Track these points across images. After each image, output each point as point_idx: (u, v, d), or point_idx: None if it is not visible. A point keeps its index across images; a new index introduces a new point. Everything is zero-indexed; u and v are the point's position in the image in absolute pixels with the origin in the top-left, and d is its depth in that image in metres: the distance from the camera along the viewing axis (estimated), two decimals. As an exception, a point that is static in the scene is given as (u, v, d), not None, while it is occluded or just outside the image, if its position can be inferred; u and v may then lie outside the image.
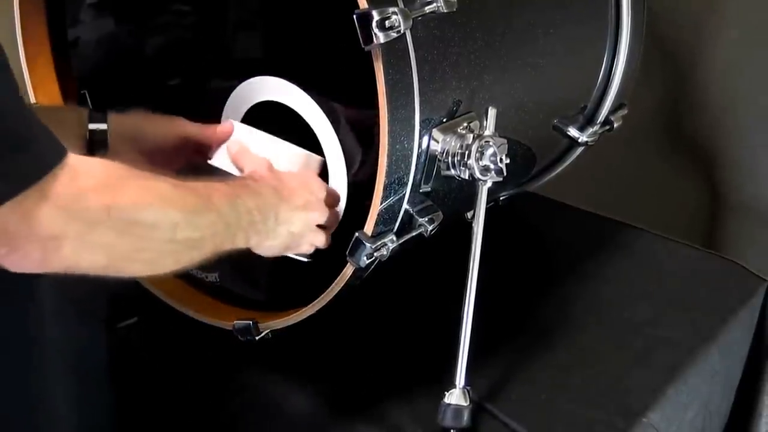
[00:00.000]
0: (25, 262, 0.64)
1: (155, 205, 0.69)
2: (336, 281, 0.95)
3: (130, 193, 0.67)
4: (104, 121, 0.93)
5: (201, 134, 0.96)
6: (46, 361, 0.85)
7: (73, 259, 0.65)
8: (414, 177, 0.91)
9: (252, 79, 0.99)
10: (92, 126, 0.92)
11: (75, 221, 0.64)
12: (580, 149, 1.21)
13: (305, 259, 0.94)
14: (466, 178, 0.92)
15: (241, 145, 0.92)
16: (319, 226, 0.91)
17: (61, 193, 0.63)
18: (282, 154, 0.91)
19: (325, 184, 0.92)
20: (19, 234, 0.62)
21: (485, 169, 0.91)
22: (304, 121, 0.96)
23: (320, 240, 0.91)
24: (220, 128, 0.95)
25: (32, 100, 1.14)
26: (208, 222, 0.73)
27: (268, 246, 0.85)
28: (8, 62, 0.61)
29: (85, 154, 0.89)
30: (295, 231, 0.86)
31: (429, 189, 0.94)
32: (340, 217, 0.96)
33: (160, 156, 0.95)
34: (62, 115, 0.94)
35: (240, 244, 0.79)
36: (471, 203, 0.95)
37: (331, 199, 0.92)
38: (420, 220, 0.94)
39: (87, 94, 1.18)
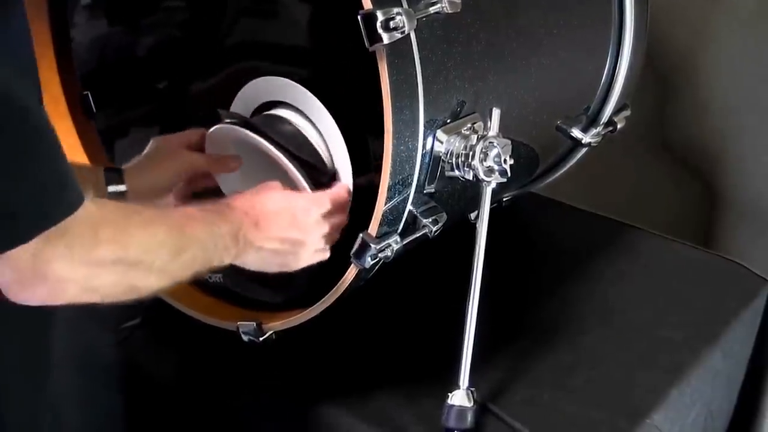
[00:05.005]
0: (31, 298, 0.69)
1: (153, 252, 0.75)
2: (340, 282, 0.95)
3: (136, 243, 0.73)
4: (121, 181, 0.97)
5: (210, 166, 1.02)
6: (52, 361, 0.85)
7: (75, 299, 0.70)
8: (418, 178, 0.91)
9: (258, 80, 0.99)
10: (111, 189, 0.96)
11: (84, 267, 0.69)
12: (583, 150, 1.21)
13: None
14: (470, 179, 0.92)
15: None
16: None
17: (79, 241, 0.68)
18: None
19: (322, 199, 0.92)
20: (31, 274, 0.66)
21: (489, 170, 0.91)
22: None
23: (315, 257, 0.93)
24: (229, 162, 1.02)
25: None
26: (190, 256, 0.80)
27: (248, 264, 0.90)
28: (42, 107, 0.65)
29: None
30: (277, 250, 0.89)
31: (433, 190, 0.94)
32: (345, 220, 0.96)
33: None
34: (79, 174, 0.96)
35: (215, 264, 0.85)
36: (475, 204, 0.95)
37: (335, 207, 0.93)
38: (424, 221, 0.94)
39: (90, 96, 1.18)
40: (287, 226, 0.89)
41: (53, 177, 0.66)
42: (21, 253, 0.64)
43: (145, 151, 1.02)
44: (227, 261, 0.86)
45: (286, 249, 0.90)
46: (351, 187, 0.95)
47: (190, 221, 0.81)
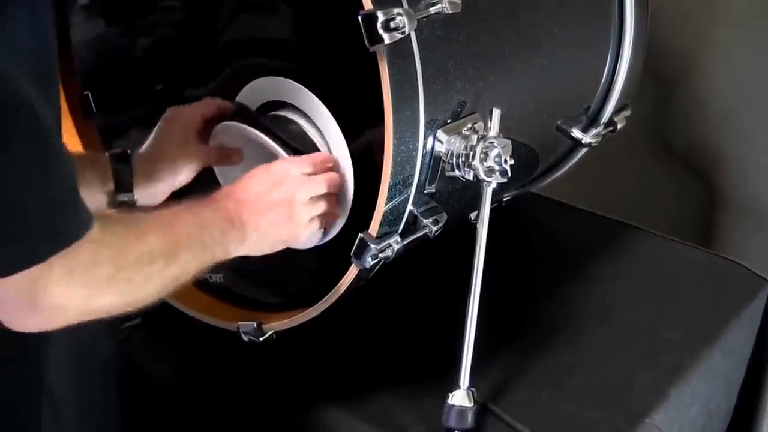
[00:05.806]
0: (29, 326, 0.68)
1: (148, 264, 0.74)
2: (341, 282, 0.95)
3: (132, 258, 0.73)
4: (130, 189, 0.97)
5: (217, 159, 1.02)
6: (50, 361, 0.85)
7: (76, 320, 0.70)
8: (419, 178, 0.91)
9: (259, 80, 0.99)
10: (121, 198, 0.96)
11: (83, 290, 0.68)
12: (583, 150, 1.21)
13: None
14: (471, 179, 0.92)
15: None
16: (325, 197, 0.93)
17: (79, 264, 0.66)
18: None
19: (299, 159, 0.92)
20: (28, 301, 0.65)
21: (490, 170, 0.91)
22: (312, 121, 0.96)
23: (311, 227, 0.92)
24: (233, 155, 1.01)
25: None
26: (182, 261, 0.79)
27: (256, 249, 0.89)
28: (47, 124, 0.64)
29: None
30: (273, 220, 0.89)
31: (433, 190, 0.95)
32: (349, 196, 0.95)
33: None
34: (88, 174, 0.96)
35: (208, 262, 0.84)
36: (475, 204, 0.95)
37: (318, 167, 0.92)
38: (424, 221, 0.94)
39: (90, 96, 1.18)
40: (269, 188, 0.88)
41: (67, 195, 0.65)
42: (20, 278, 0.63)
43: (157, 127, 1.00)
44: (233, 251, 0.86)
45: (280, 215, 0.89)
46: (352, 187, 0.95)
47: (181, 224, 0.80)
